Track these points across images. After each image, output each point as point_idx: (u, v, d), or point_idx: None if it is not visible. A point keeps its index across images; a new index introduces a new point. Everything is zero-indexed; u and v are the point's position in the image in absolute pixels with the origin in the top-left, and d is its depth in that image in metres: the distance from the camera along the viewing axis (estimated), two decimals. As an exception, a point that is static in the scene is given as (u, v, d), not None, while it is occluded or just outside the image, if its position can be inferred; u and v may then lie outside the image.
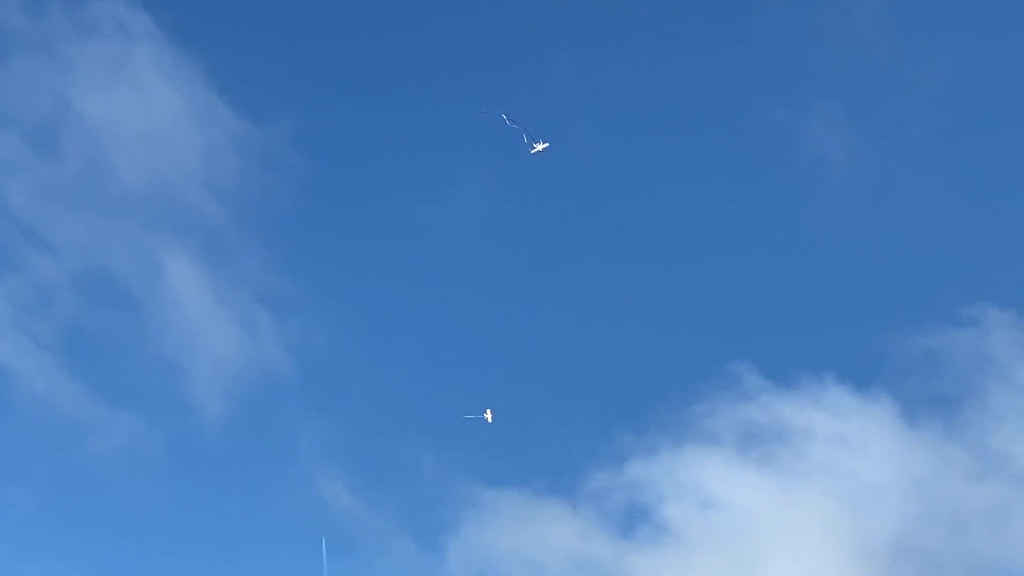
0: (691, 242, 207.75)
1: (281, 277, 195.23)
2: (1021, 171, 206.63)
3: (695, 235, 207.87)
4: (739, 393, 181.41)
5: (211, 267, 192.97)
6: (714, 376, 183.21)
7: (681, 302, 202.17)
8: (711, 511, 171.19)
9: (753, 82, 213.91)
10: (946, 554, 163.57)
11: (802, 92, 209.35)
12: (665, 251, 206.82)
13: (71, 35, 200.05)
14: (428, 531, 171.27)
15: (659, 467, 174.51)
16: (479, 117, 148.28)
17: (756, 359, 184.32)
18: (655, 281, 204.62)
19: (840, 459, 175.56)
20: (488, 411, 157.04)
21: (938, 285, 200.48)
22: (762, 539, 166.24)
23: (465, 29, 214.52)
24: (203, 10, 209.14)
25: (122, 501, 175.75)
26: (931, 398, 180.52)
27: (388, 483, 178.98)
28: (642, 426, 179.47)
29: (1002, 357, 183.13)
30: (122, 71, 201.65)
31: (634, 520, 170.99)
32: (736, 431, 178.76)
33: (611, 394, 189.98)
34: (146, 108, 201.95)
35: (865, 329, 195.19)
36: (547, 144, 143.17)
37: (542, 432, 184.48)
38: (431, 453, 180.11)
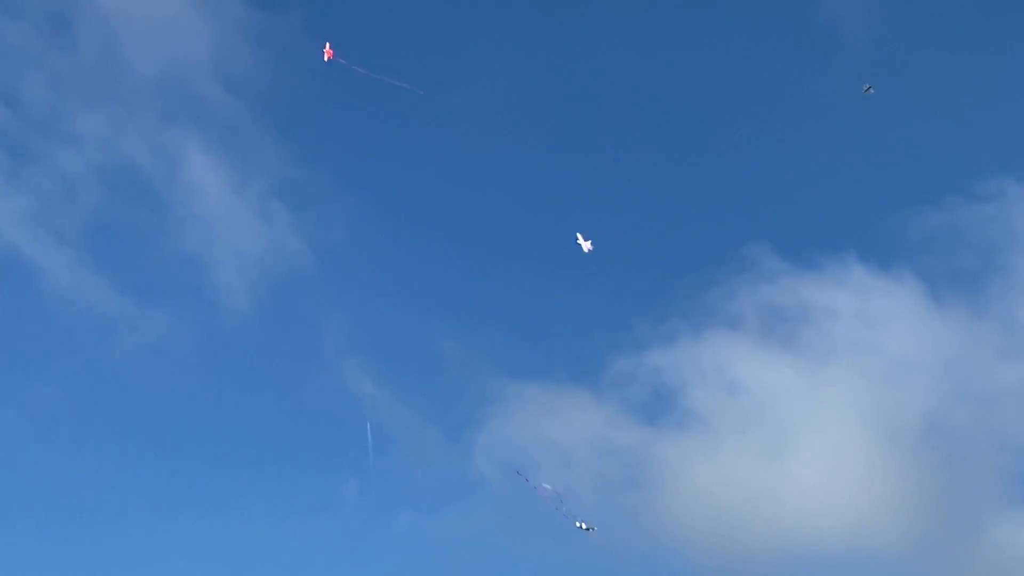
0: (703, 125, 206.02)
1: (298, 167, 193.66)
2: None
3: (707, 117, 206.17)
4: (758, 276, 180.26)
5: (228, 159, 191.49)
6: (731, 260, 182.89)
7: (693, 186, 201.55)
8: (737, 394, 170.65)
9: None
10: (976, 432, 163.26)
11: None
12: (677, 136, 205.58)
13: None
14: (455, 423, 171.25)
15: (682, 353, 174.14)
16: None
17: (773, 241, 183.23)
18: (667, 166, 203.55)
19: (866, 338, 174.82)
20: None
21: (954, 159, 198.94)
22: (790, 420, 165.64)
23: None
24: None
25: (152, 397, 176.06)
26: (955, 274, 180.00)
27: (414, 375, 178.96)
28: (661, 313, 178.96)
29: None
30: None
31: (660, 406, 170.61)
32: (757, 314, 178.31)
33: (629, 282, 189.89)
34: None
35: (882, 206, 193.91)
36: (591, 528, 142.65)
37: (562, 323, 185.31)
38: (455, 343, 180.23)
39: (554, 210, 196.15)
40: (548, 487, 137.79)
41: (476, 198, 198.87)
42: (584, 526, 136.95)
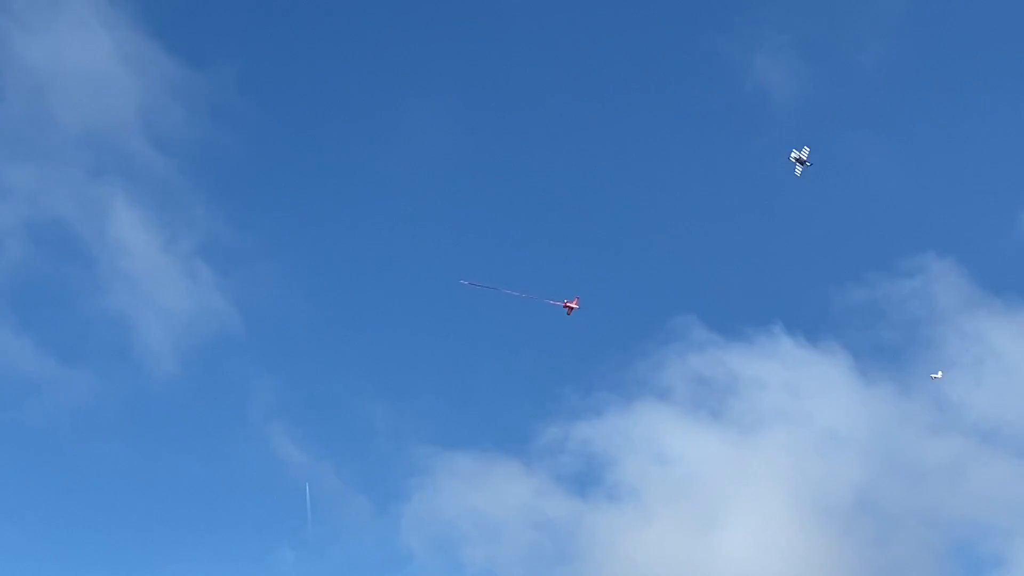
0: (630, 197, 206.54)
1: (227, 227, 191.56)
2: (968, 113, 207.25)
3: (634, 190, 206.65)
4: (686, 347, 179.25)
5: (157, 217, 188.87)
6: (658, 332, 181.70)
7: (620, 259, 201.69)
8: (666, 466, 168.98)
9: (695, 11, 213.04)
10: (904, 508, 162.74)
11: (748, 22, 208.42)
12: (604, 208, 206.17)
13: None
14: (383, 493, 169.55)
15: (611, 424, 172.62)
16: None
17: (700, 312, 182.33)
18: (594, 238, 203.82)
19: (794, 410, 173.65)
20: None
21: (877, 235, 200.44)
22: (720, 492, 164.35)
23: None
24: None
25: (76, 461, 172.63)
26: (881, 349, 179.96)
27: (342, 442, 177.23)
28: (589, 385, 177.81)
29: (949, 306, 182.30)
30: (58, 11, 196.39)
31: (589, 477, 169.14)
32: (686, 385, 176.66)
33: (557, 354, 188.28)
34: (82, 53, 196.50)
35: (807, 280, 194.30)
36: None
37: (490, 393, 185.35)
38: (383, 410, 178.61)
39: (481, 275, 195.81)
40: None
41: (404, 264, 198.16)
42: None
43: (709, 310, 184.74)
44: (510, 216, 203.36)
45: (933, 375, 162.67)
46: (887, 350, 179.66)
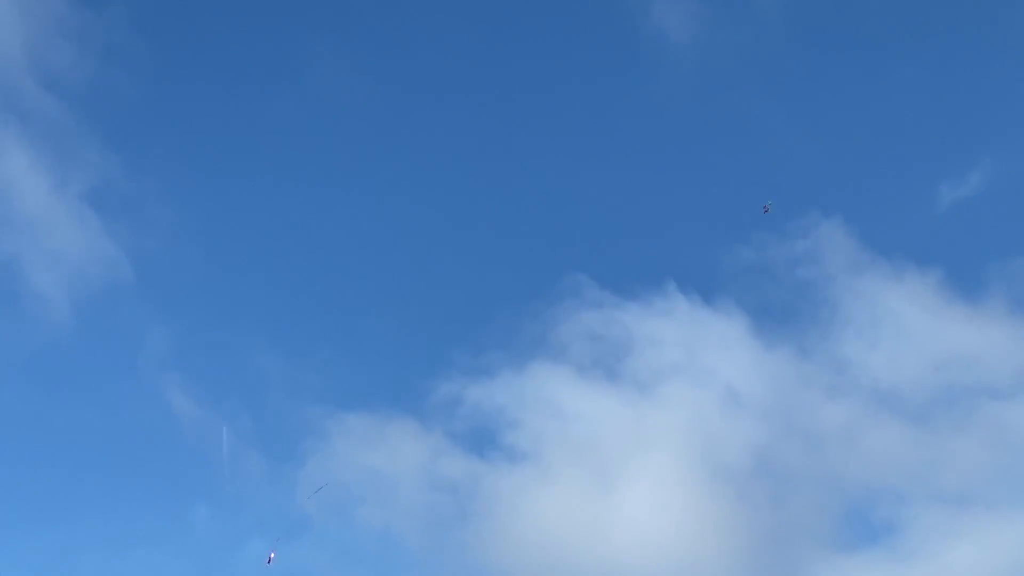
0: (516, 148, 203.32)
1: (120, 171, 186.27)
2: (862, 69, 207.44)
3: (521, 140, 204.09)
4: (579, 306, 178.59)
5: (47, 158, 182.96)
6: (549, 292, 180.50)
7: (509, 214, 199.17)
8: (564, 426, 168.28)
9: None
10: (802, 471, 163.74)
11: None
12: (491, 161, 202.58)
13: None
14: (279, 455, 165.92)
15: (506, 385, 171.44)
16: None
17: (591, 271, 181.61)
18: (480, 194, 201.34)
19: (691, 370, 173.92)
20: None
21: (767, 192, 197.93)
22: (618, 452, 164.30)
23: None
24: None
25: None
26: (778, 310, 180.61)
27: (236, 399, 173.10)
28: (481, 345, 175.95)
29: (840, 267, 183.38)
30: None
31: (486, 438, 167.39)
32: (581, 344, 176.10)
33: (447, 314, 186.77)
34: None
35: (701, 239, 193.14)
36: None
37: (382, 352, 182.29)
38: (276, 364, 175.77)
39: (373, 235, 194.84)
40: None
41: (301, 215, 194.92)
42: None
43: (600, 268, 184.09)
44: (407, 167, 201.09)
45: None
46: (782, 311, 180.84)
